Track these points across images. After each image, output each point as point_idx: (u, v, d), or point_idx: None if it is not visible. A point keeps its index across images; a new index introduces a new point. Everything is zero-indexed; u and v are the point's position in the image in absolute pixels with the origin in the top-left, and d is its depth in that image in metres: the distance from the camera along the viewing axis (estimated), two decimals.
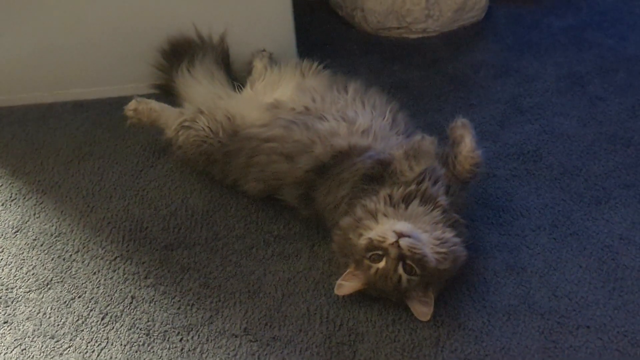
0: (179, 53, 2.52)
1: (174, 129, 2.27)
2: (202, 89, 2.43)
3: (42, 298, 1.92)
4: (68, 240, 2.08)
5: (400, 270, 1.74)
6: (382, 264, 1.75)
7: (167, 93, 2.52)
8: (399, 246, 1.73)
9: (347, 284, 1.81)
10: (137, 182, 2.26)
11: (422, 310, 1.78)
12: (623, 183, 2.13)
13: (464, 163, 1.92)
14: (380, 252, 1.75)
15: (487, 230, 2.02)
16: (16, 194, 2.24)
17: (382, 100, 2.18)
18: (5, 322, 1.86)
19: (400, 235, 1.75)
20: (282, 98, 2.23)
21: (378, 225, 1.81)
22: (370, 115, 2.11)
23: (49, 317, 1.87)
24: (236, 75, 2.50)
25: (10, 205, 2.21)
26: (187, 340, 1.79)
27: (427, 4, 2.79)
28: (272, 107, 2.19)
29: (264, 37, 2.57)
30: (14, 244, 2.08)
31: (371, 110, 2.13)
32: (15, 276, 1.98)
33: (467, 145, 1.92)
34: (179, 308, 1.87)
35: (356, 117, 2.08)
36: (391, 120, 2.11)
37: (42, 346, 1.80)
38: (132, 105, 2.32)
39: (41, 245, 2.07)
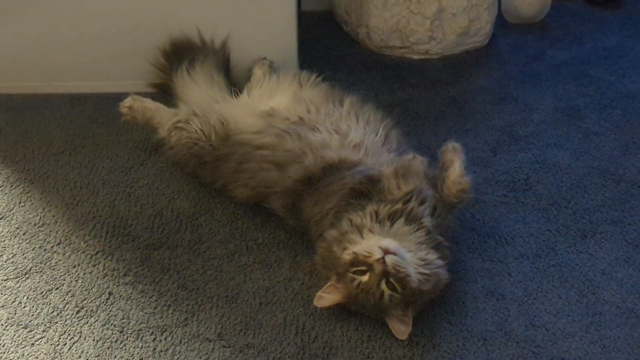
0: (180, 54, 2.52)
1: (167, 129, 2.27)
2: (199, 92, 2.43)
3: (19, 287, 1.91)
4: (51, 231, 2.07)
5: (383, 286, 1.73)
6: (365, 278, 1.74)
7: (165, 92, 2.53)
8: (384, 262, 1.73)
9: (327, 296, 1.80)
10: (125, 179, 2.26)
11: (401, 329, 1.77)
12: (610, 219, 2.13)
13: (451, 188, 1.91)
14: (364, 268, 1.75)
15: (470, 254, 2.02)
16: (3, 181, 2.24)
17: (377, 117, 2.18)
18: None
19: (386, 252, 1.74)
20: (278, 107, 2.23)
21: (363, 240, 1.81)
22: (363, 130, 2.11)
23: (24, 307, 1.86)
24: (235, 81, 2.51)
25: None
26: (161, 340, 1.78)
27: (432, 26, 2.80)
28: (267, 115, 2.20)
29: (266, 45, 2.58)
30: None
31: (364, 126, 2.13)
32: None
33: (456, 170, 1.92)
34: (155, 308, 1.86)
35: (349, 131, 2.08)
36: (384, 137, 2.11)
37: (15, 335, 1.79)
38: (127, 102, 2.33)
39: (23, 234, 2.06)
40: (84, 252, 2.01)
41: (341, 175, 1.94)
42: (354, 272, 1.76)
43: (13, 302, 1.87)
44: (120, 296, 1.89)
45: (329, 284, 1.81)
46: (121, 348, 1.76)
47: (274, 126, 2.14)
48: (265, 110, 2.22)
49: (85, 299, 1.88)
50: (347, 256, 1.78)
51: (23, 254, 2.00)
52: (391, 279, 1.73)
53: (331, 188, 1.93)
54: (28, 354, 1.74)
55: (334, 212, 1.90)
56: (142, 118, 2.33)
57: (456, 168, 1.93)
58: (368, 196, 1.89)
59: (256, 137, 2.13)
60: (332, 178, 1.95)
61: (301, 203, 1.98)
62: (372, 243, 1.78)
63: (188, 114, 2.25)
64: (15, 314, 1.84)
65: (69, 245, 2.03)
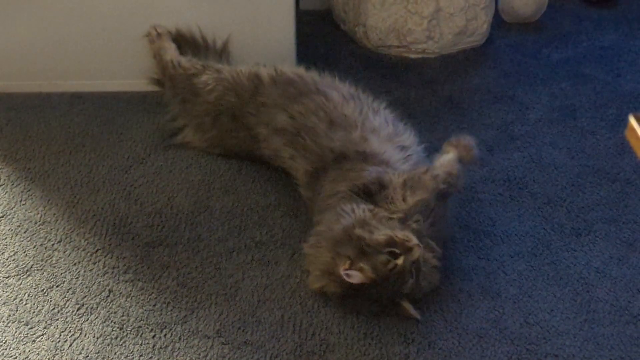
0: (184, 48, 2.53)
1: (201, 64, 2.38)
2: None
3: (21, 284, 1.93)
4: (52, 229, 2.09)
5: (411, 272, 1.78)
6: (400, 261, 1.76)
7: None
8: (420, 249, 1.77)
9: (356, 274, 1.77)
10: (125, 177, 2.28)
11: (413, 312, 1.82)
12: (605, 217, 2.16)
13: (437, 169, 1.95)
14: (398, 251, 1.77)
15: (465, 252, 2.04)
16: (4, 180, 2.26)
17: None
18: None
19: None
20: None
21: (387, 229, 1.82)
22: (414, 139, 2.14)
23: (25, 304, 1.88)
24: None
25: None
26: (160, 337, 1.81)
27: (429, 26, 2.82)
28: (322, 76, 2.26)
29: (265, 44, 2.60)
30: None
31: (414, 137, 2.16)
32: None
33: (449, 156, 1.99)
34: (154, 305, 1.89)
35: (403, 132, 2.12)
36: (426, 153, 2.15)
37: (16, 332, 1.81)
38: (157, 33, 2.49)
39: (24, 232, 2.09)
40: (84, 249, 2.04)
41: (363, 167, 1.96)
42: (389, 253, 1.77)
43: (14, 299, 1.89)
44: (120, 293, 1.91)
45: (349, 261, 1.78)
46: (121, 345, 1.79)
47: (336, 87, 2.17)
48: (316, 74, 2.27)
49: (85, 296, 1.90)
50: (381, 237, 1.79)
51: (24, 252, 2.03)
52: (413, 267, 1.77)
53: (350, 174, 1.96)
54: (29, 351, 1.77)
55: (340, 196, 1.92)
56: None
57: (449, 155, 1.99)
58: (373, 198, 1.92)
59: (322, 84, 2.17)
60: (356, 165, 1.97)
61: (323, 175, 2.00)
62: (405, 231, 1.81)
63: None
64: (17, 311, 1.86)
65: (70, 243, 2.05)
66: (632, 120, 1.28)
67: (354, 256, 1.78)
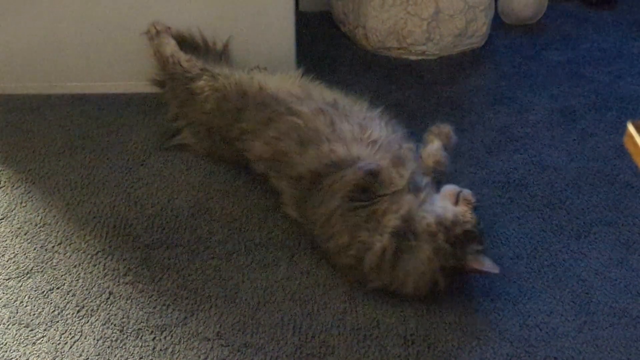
0: (182, 49, 2.53)
1: (200, 67, 2.37)
2: None
3: (21, 286, 1.94)
4: (52, 231, 2.10)
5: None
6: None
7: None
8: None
9: (490, 265, 1.87)
10: (125, 179, 2.28)
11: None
12: (604, 219, 2.16)
13: (426, 160, 2.03)
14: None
15: None
16: (5, 182, 2.26)
17: (395, 123, 2.22)
18: None
19: None
20: (310, 87, 2.27)
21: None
22: (384, 129, 2.14)
23: (26, 306, 1.89)
24: None
25: None
26: (160, 339, 1.81)
27: (428, 27, 2.83)
28: (303, 87, 2.25)
29: (264, 46, 2.60)
30: None
31: (385, 126, 2.16)
32: None
33: (434, 145, 2.05)
34: (154, 307, 1.89)
35: (371, 126, 2.12)
36: (400, 137, 2.15)
37: (16, 334, 1.81)
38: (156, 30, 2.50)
39: (25, 234, 2.09)
40: (84, 252, 2.04)
41: (342, 174, 1.97)
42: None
43: (15, 301, 1.90)
44: (121, 295, 1.92)
45: (477, 260, 1.87)
46: (121, 347, 1.79)
47: (312, 99, 2.17)
48: (301, 84, 2.27)
49: (85, 299, 1.91)
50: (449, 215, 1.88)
51: (24, 254, 2.03)
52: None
53: (333, 187, 1.96)
54: (30, 353, 1.77)
55: (339, 212, 1.92)
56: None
57: (434, 144, 2.05)
58: (371, 190, 1.92)
59: (293, 101, 2.17)
60: (334, 177, 1.97)
61: (307, 202, 2.00)
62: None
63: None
64: (17, 313, 1.87)
65: (70, 245, 2.06)
66: (631, 128, 1.28)
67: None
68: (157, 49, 2.50)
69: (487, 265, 1.86)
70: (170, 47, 2.47)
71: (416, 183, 1.95)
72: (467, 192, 1.92)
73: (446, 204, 1.90)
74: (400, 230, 1.86)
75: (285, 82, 2.29)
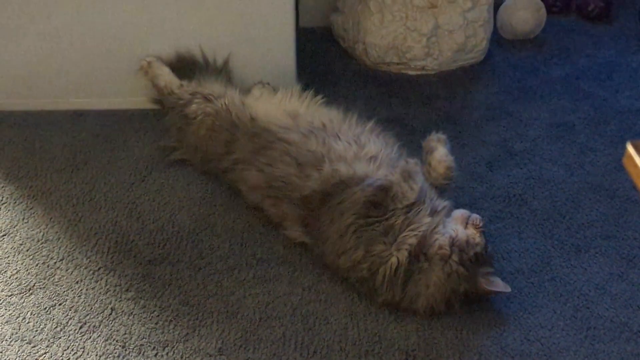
0: (184, 70, 2.55)
1: (190, 92, 2.39)
2: None
3: (23, 303, 1.94)
4: (54, 247, 2.10)
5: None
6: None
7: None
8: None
9: (500, 284, 1.92)
10: (127, 194, 2.29)
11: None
12: (604, 234, 2.17)
13: (437, 167, 2.01)
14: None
15: None
16: (7, 198, 2.27)
17: (391, 138, 2.24)
18: None
19: None
20: (300, 110, 2.28)
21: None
22: (380, 144, 2.15)
23: (28, 322, 1.89)
24: None
25: (0, 208, 2.24)
26: (162, 355, 1.81)
27: (428, 43, 2.84)
28: (292, 114, 2.25)
29: (265, 61, 2.61)
30: (0, 247, 2.10)
31: (382, 141, 2.18)
32: None
33: (440, 151, 2.03)
34: (156, 323, 1.89)
35: (367, 143, 2.13)
36: (398, 154, 2.17)
37: (19, 350, 1.82)
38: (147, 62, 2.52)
39: (27, 250, 2.09)
40: (86, 267, 2.04)
41: (351, 192, 1.98)
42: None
43: (17, 317, 1.90)
44: (123, 311, 1.92)
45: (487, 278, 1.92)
46: None
47: (299, 126, 2.18)
48: (290, 110, 2.27)
49: (88, 315, 1.91)
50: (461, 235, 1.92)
51: (27, 270, 2.03)
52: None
53: (344, 205, 1.96)
54: None
55: (353, 228, 1.93)
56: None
57: (440, 150, 2.03)
58: (383, 205, 1.93)
59: (281, 131, 2.17)
60: (343, 195, 1.98)
61: (317, 222, 2.01)
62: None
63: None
64: (19, 329, 1.87)
65: (72, 261, 2.06)
66: (630, 148, 1.28)
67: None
68: (151, 81, 2.53)
69: (500, 285, 1.89)
70: (163, 77, 2.50)
71: (434, 207, 1.97)
72: (475, 217, 1.95)
73: (458, 227, 1.92)
74: (415, 250, 1.88)
75: (280, 105, 2.31)
